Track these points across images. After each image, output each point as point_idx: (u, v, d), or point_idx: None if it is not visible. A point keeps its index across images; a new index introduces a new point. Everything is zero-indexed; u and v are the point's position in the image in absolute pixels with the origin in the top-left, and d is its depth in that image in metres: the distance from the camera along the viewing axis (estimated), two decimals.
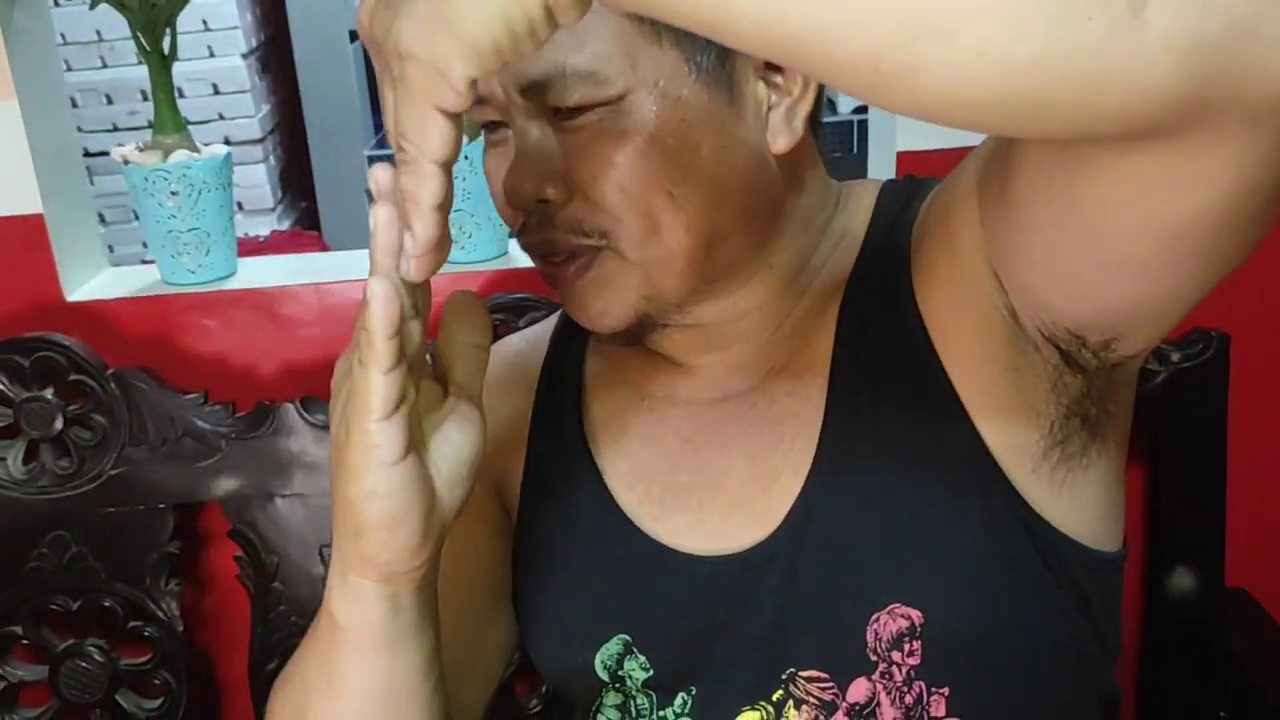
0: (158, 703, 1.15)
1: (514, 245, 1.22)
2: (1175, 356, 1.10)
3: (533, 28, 0.45)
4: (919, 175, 0.73)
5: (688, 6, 0.43)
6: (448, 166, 0.48)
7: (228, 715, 1.24)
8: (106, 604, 1.13)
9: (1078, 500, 0.66)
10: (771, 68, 0.66)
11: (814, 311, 0.70)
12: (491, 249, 1.18)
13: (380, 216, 0.51)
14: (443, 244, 0.51)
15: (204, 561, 1.20)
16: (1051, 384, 0.63)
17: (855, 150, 2.07)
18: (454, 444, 0.58)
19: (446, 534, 0.60)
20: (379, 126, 3.14)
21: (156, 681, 1.15)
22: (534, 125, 0.65)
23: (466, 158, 1.13)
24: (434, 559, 0.60)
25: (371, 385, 0.52)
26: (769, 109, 0.66)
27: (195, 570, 1.20)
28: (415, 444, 0.55)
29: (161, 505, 1.12)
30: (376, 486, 0.55)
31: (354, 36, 2.95)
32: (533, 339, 0.84)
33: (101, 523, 1.12)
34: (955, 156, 0.66)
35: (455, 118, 0.47)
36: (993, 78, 0.40)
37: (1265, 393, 1.19)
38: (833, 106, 2.78)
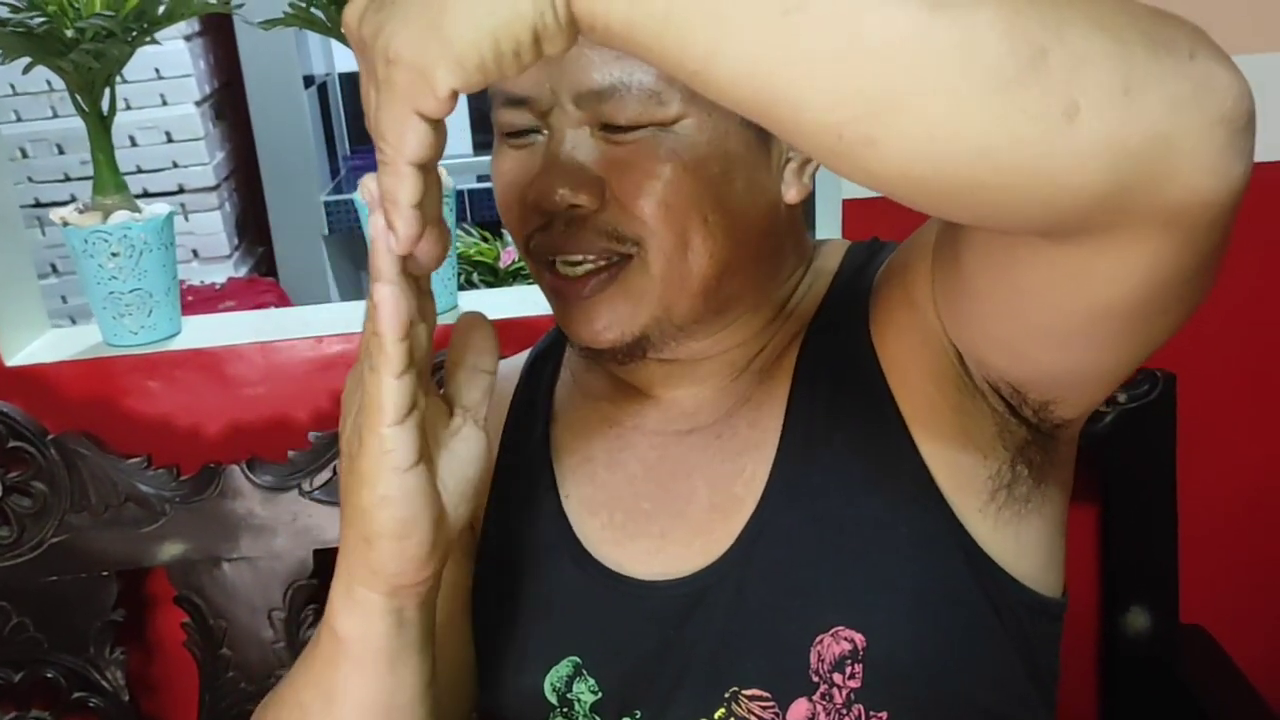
0: None
1: (464, 298, 1.21)
2: (1122, 397, 1.10)
3: (519, 50, 0.47)
4: (861, 222, 0.76)
5: (675, 53, 0.45)
6: (426, 167, 0.50)
7: None
8: (49, 675, 1.11)
9: (1022, 542, 0.69)
10: None
11: (778, 351, 0.73)
12: (439, 303, 1.16)
13: (379, 224, 0.52)
14: (440, 237, 0.52)
15: (150, 629, 1.18)
16: (998, 429, 0.66)
17: None
18: (460, 461, 0.60)
19: (450, 552, 0.60)
20: (335, 171, 3.13)
21: None
22: (577, 133, 0.66)
23: None
24: (438, 575, 0.61)
25: (384, 389, 0.53)
26: (786, 160, 0.70)
27: (141, 638, 1.18)
28: (426, 454, 0.56)
29: (105, 572, 1.10)
30: (389, 492, 0.55)
31: (308, 83, 2.94)
32: (505, 371, 0.85)
33: (43, 592, 1.10)
34: (896, 206, 0.68)
35: (435, 123, 0.49)
36: (941, 158, 0.44)
37: (1212, 430, 1.20)
38: None
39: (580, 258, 0.67)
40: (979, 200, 0.46)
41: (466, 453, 0.60)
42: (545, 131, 0.67)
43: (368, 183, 0.52)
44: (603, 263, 0.67)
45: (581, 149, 0.66)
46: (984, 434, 0.66)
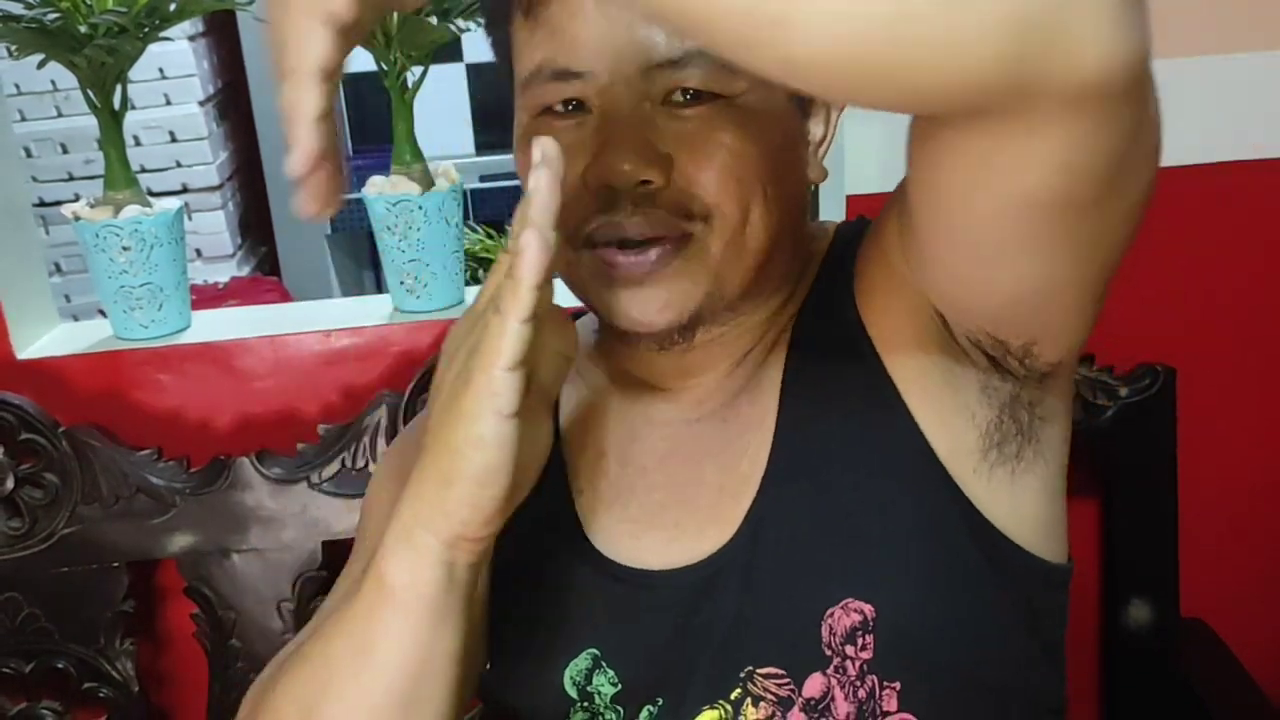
0: None
1: (470, 293, 1.22)
2: (1123, 391, 1.11)
3: None
4: (864, 216, 0.76)
5: None
6: (328, 78, 0.49)
7: None
8: (60, 666, 1.12)
9: (1019, 504, 0.69)
10: (807, 107, 0.71)
11: (777, 331, 0.74)
12: (447, 297, 1.18)
13: (540, 180, 0.54)
14: (334, 174, 0.51)
15: (159, 620, 1.19)
16: (981, 386, 0.67)
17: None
18: (532, 436, 0.61)
19: (508, 517, 0.61)
20: None
21: None
22: (639, 108, 0.65)
23: (421, 208, 1.13)
24: (494, 539, 0.61)
25: (508, 331, 0.54)
26: (807, 141, 0.72)
27: (151, 629, 1.19)
28: (522, 411, 0.57)
29: (115, 564, 1.11)
30: (485, 433, 0.56)
31: None
32: None
33: (54, 583, 1.11)
34: None
35: (338, 33, 0.48)
36: (850, 37, 0.44)
37: (1212, 424, 1.21)
38: None
39: (647, 241, 0.66)
40: (890, 79, 0.46)
41: (538, 428, 0.62)
42: (594, 108, 0.66)
43: (543, 144, 0.54)
44: (668, 241, 0.67)
45: (644, 123, 0.65)
46: (970, 394, 0.67)
